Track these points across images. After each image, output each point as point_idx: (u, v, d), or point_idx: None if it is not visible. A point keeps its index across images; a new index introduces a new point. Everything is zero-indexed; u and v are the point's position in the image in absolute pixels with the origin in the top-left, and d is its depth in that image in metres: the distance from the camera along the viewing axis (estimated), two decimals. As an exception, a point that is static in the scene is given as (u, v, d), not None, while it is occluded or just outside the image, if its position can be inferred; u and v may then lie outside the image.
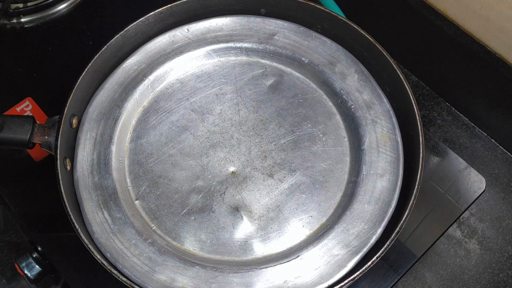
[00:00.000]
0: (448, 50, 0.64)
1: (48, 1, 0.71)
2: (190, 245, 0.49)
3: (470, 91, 0.66)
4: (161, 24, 0.57)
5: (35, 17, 0.72)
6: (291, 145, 0.53)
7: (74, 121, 0.52)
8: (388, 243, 0.45)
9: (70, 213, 0.47)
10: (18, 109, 0.65)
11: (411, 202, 0.47)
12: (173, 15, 0.57)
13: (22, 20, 0.71)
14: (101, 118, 0.53)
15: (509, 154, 0.65)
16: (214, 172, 0.52)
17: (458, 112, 0.67)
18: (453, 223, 0.60)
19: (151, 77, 0.55)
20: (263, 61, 0.57)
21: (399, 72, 0.52)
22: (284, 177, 0.52)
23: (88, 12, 0.72)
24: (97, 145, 0.52)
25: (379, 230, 0.48)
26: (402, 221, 0.46)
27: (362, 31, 0.54)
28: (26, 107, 0.65)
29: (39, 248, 0.58)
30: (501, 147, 0.65)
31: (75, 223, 0.46)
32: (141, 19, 0.55)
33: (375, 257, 0.45)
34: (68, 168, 0.51)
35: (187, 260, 0.47)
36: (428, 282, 0.59)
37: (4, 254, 0.68)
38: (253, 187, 0.51)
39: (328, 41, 0.56)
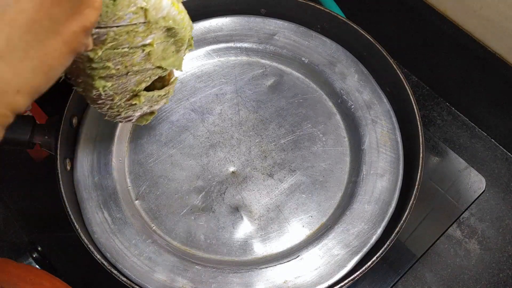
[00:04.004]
0: (448, 50, 0.64)
1: (48, 1, 0.71)
2: (190, 245, 0.49)
3: (470, 91, 0.66)
4: (161, 24, 0.57)
5: (35, 17, 0.71)
6: (291, 145, 0.53)
7: (74, 121, 0.52)
8: (388, 243, 0.45)
9: (70, 213, 0.47)
10: (18, 109, 0.65)
11: (411, 202, 0.47)
12: (173, 15, 0.57)
13: (22, 20, 0.71)
14: (101, 118, 0.53)
15: (509, 154, 0.65)
16: (214, 172, 0.52)
17: (458, 112, 0.67)
18: (453, 223, 0.60)
19: (151, 77, 0.55)
20: (263, 61, 0.57)
21: (399, 72, 0.52)
22: (284, 177, 0.52)
23: (88, 12, 0.72)
24: (97, 145, 0.52)
25: (379, 230, 0.48)
26: (402, 221, 0.46)
27: (362, 31, 0.54)
28: (26, 107, 0.65)
29: (39, 248, 0.58)
30: (501, 147, 0.65)
31: (75, 223, 0.46)
32: (141, 19, 0.55)
33: (375, 257, 0.45)
34: (68, 168, 0.51)
35: (187, 260, 0.47)
36: (428, 282, 0.59)
37: (4, 254, 0.68)
38: (253, 187, 0.51)
39: (328, 41, 0.56)
